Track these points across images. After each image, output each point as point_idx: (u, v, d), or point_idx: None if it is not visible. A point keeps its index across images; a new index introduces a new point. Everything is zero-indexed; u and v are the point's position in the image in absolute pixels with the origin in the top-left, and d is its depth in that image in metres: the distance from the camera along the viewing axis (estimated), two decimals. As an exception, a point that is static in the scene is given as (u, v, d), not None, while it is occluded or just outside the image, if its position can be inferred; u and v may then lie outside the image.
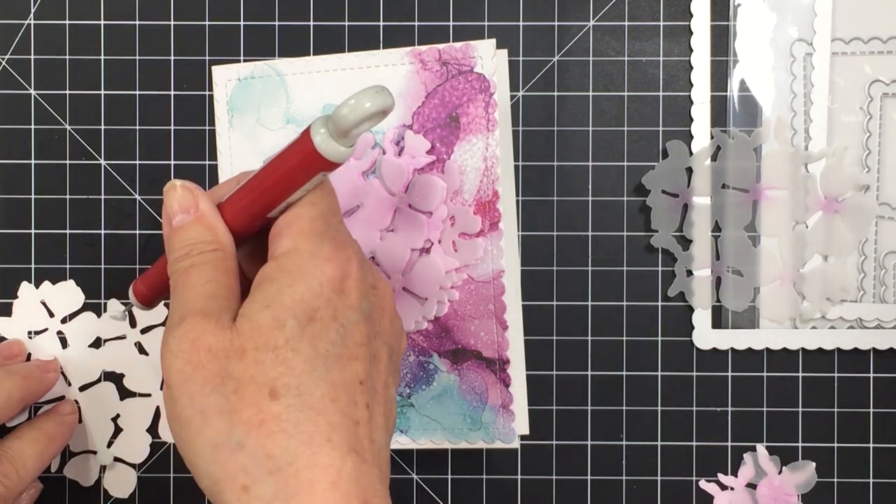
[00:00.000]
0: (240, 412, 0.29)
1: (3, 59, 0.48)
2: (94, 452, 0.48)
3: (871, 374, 0.48)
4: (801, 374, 0.48)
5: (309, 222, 0.32)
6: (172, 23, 0.48)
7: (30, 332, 0.48)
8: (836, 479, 0.48)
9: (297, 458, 0.29)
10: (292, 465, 0.29)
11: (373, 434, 0.31)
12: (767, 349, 0.48)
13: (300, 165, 0.32)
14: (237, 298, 0.32)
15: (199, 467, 0.30)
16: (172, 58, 0.48)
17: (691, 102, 0.48)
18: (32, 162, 0.48)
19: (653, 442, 0.49)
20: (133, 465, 0.49)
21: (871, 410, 0.48)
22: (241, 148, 0.46)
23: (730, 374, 0.48)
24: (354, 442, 0.30)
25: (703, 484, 0.48)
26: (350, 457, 0.30)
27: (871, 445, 0.48)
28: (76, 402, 0.48)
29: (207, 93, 0.48)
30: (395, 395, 0.34)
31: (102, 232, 0.48)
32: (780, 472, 0.48)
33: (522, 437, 0.47)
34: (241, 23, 0.48)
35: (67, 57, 0.48)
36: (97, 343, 0.48)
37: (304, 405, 0.30)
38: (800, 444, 0.48)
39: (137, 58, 0.48)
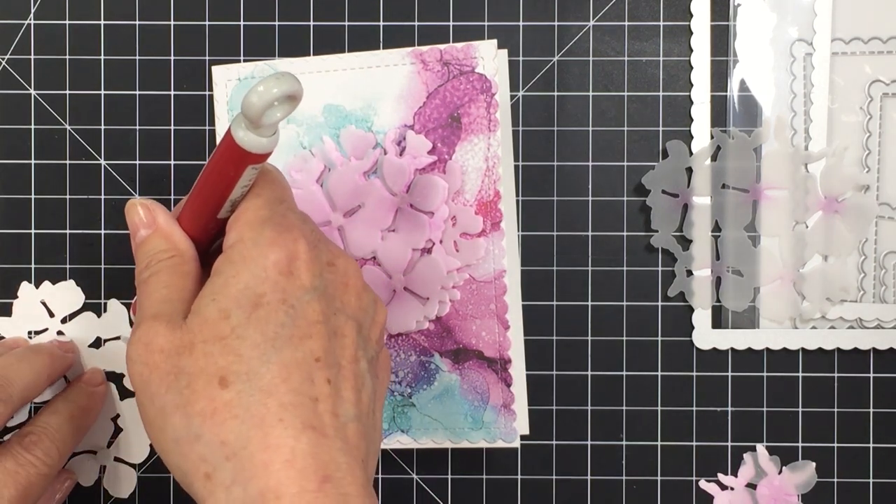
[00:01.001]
0: (193, 404, 0.30)
1: (3, 59, 0.48)
2: (94, 452, 0.48)
3: (871, 374, 0.48)
4: (801, 374, 0.48)
5: (253, 212, 0.33)
6: (172, 23, 0.48)
7: (30, 332, 0.48)
8: (836, 479, 0.48)
9: (250, 442, 0.30)
10: (246, 448, 0.30)
11: (336, 409, 0.31)
12: (767, 349, 0.48)
13: (229, 161, 0.32)
14: (194, 299, 0.33)
15: (170, 463, 0.31)
16: (172, 58, 0.48)
17: (691, 102, 0.48)
18: (32, 162, 0.48)
19: (653, 442, 0.49)
20: (133, 465, 0.49)
21: (871, 410, 0.48)
22: (242, 148, 0.46)
23: (730, 374, 0.48)
24: (312, 418, 0.30)
25: (703, 484, 0.48)
26: (305, 434, 0.30)
27: (871, 445, 0.48)
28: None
29: (207, 93, 0.48)
30: (367, 369, 0.34)
31: (102, 232, 0.48)
32: (780, 472, 0.48)
33: (522, 437, 0.47)
34: (241, 23, 0.48)
35: (67, 57, 0.48)
36: (97, 343, 0.48)
37: (253, 389, 0.30)
38: (800, 444, 0.48)
39: (137, 58, 0.48)
